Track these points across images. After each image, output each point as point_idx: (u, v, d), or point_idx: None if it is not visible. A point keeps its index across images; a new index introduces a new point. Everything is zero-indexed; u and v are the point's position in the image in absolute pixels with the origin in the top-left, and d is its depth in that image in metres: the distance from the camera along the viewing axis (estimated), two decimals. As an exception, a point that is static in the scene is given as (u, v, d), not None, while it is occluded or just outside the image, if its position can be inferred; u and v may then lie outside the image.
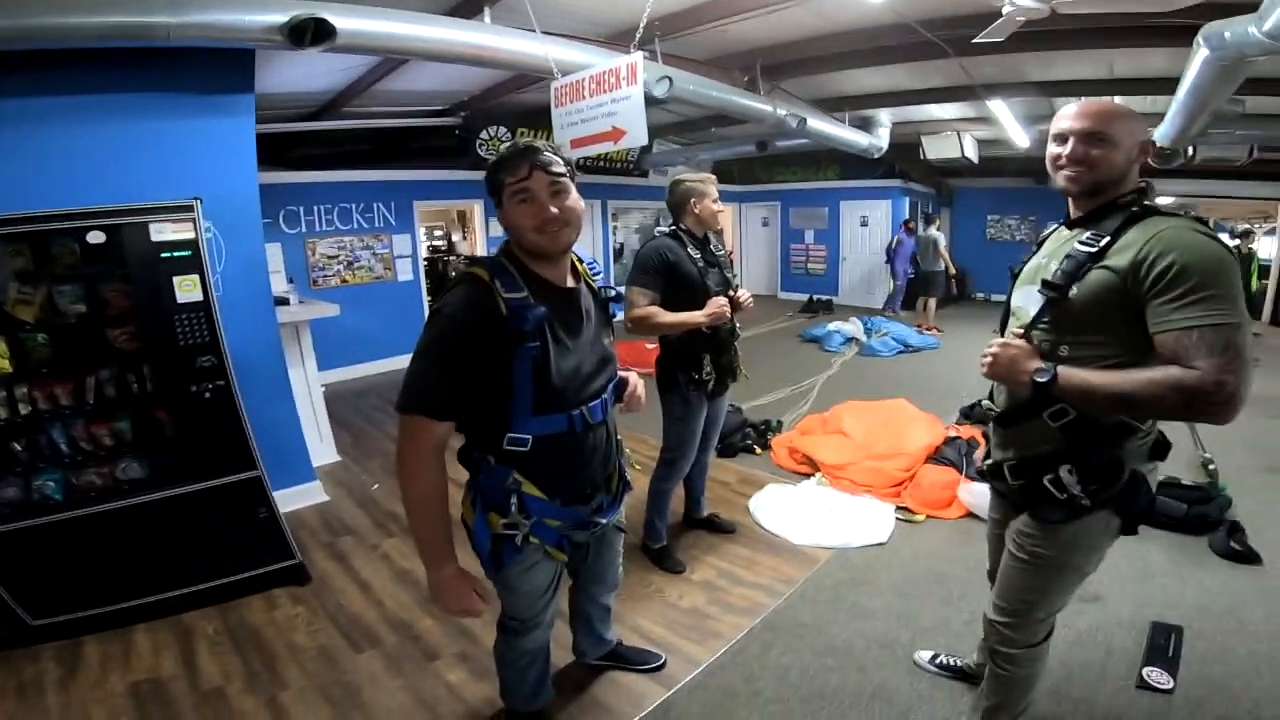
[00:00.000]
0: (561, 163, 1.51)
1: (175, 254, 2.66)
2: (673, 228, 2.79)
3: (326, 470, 4.31)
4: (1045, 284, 1.45)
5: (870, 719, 2.14)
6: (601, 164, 9.19)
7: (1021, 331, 1.51)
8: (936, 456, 3.99)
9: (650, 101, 3.54)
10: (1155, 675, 2.25)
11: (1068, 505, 1.48)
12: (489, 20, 3.50)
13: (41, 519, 2.52)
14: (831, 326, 8.42)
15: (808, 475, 4.13)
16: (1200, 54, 3.21)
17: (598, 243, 10.13)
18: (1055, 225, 1.63)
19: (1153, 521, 3.21)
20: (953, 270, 9.57)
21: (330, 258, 7.13)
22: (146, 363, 2.70)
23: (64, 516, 2.55)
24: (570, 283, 1.63)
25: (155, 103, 3.06)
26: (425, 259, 8.81)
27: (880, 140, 6.99)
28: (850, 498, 3.74)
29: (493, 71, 5.00)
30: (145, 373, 2.70)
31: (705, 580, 3.00)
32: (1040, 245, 1.65)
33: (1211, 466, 3.84)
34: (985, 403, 1.72)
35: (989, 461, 1.71)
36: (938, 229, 9.34)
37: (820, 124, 6.08)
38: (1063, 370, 1.36)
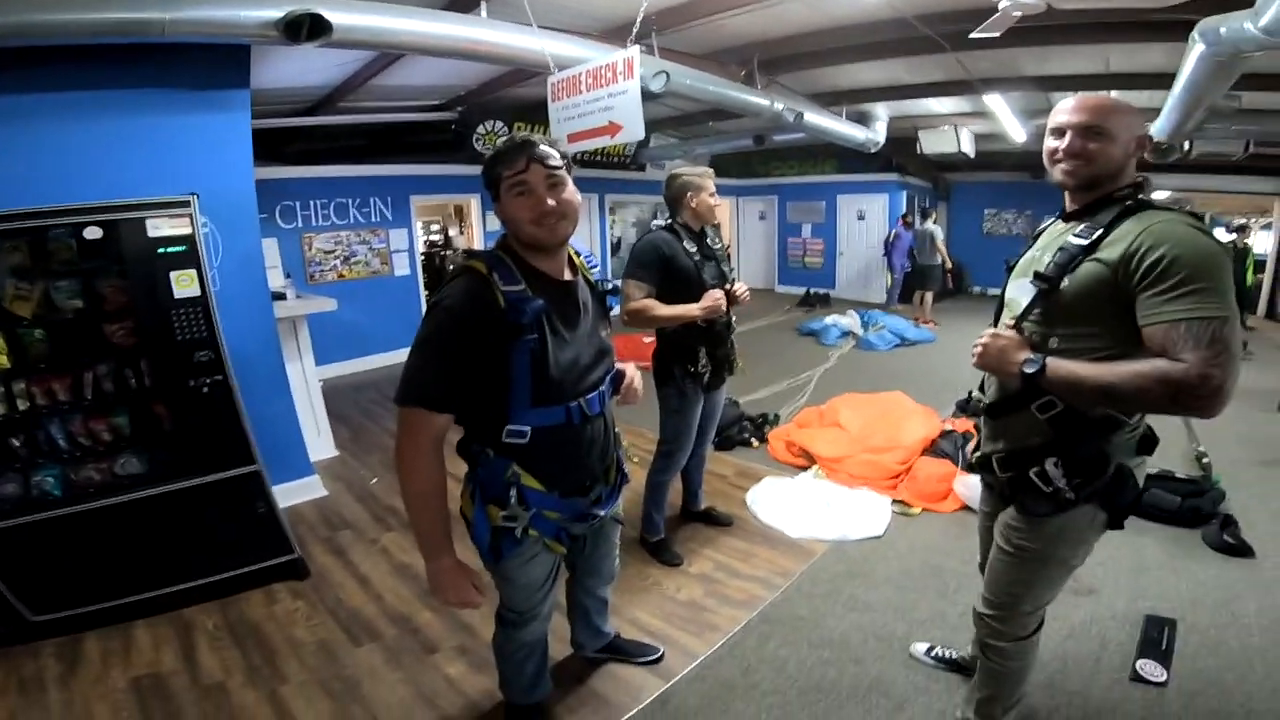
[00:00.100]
0: (558, 156, 1.52)
1: (172, 249, 2.65)
2: (669, 222, 2.79)
3: (325, 465, 4.32)
4: (1037, 276, 1.45)
5: (867, 711, 2.16)
6: (598, 158, 9.18)
7: (1013, 323, 1.52)
8: (933, 449, 4.01)
9: (647, 96, 3.54)
10: (1149, 668, 2.27)
11: (1053, 498, 1.48)
12: (485, 15, 3.49)
13: (41, 515, 2.52)
14: (829, 320, 8.44)
15: (805, 468, 4.14)
16: (1196, 49, 3.21)
17: (595, 237, 10.12)
18: (1052, 219, 1.64)
19: (1146, 514, 3.25)
20: (949, 264, 9.59)
21: (327, 253, 7.12)
22: (144, 358, 2.70)
23: (63, 512, 2.56)
24: (568, 276, 1.64)
25: (151, 98, 3.05)
26: (422, 253, 8.81)
27: (877, 134, 6.99)
28: (847, 491, 3.76)
29: (489, 66, 4.99)
30: (143, 368, 2.70)
31: (703, 573, 3.02)
32: (1037, 238, 1.65)
33: (1205, 460, 3.87)
34: (975, 394, 1.73)
35: (978, 454, 1.72)
36: (934, 223, 9.35)
37: (817, 118, 6.07)
38: (1051, 362, 1.36)
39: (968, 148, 7.62)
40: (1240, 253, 8.74)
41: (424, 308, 1.56)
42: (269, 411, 3.34)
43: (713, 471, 3.89)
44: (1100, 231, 1.37)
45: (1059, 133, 1.46)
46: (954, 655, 2.33)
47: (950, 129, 7.48)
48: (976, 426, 1.76)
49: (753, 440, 4.63)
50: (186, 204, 2.69)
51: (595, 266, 1.79)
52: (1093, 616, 2.60)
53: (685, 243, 2.73)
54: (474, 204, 8.77)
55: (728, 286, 2.78)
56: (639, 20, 3.66)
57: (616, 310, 2.03)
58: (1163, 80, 4.32)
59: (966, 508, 3.46)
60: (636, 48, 3.38)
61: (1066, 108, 1.46)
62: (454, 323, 1.43)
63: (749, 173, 12.22)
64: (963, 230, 12.07)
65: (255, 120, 3.50)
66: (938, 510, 3.55)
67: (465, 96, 6.60)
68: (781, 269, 12.65)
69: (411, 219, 7.84)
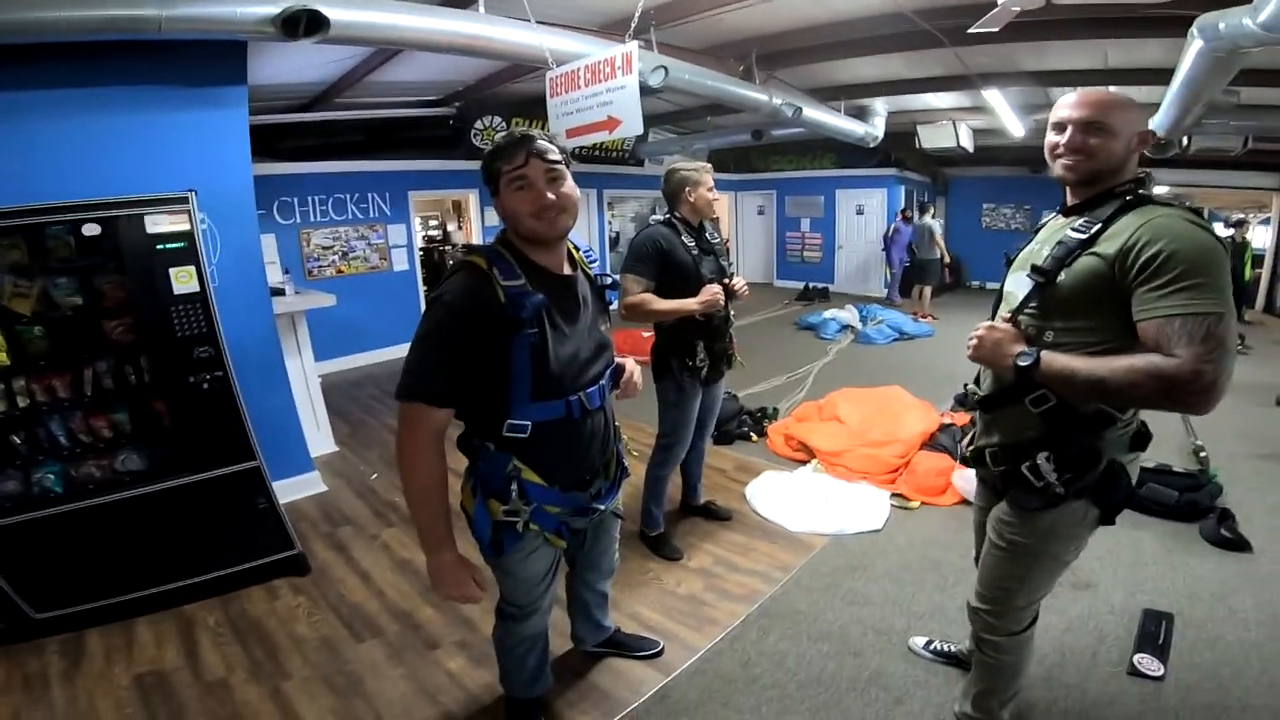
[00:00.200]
0: (557, 151, 1.52)
1: (171, 246, 2.65)
2: (668, 216, 2.79)
3: (325, 460, 4.32)
4: (1034, 269, 1.45)
5: (866, 704, 2.17)
6: (597, 153, 9.18)
7: (1009, 316, 1.52)
8: (931, 443, 4.02)
9: (645, 91, 3.53)
10: (1146, 662, 2.28)
11: (1044, 493, 1.48)
12: (483, 10, 3.48)
13: (42, 512, 2.53)
14: (827, 314, 8.44)
15: (804, 462, 4.15)
16: (1195, 45, 3.21)
17: (593, 231, 10.11)
18: (1053, 213, 1.63)
19: (1144, 508, 3.26)
20: (947, 259, 9.60)
21: (325, 248, 7.11)
22: (144, 354, 2.70)
23: (64, 509, 2.56)
24: (567, 270, 1.64)
25: (148, 95, 3.04)
26: (421, 249, 8.79)
27: (876, 129, 6.99)
28: (846, 485, 3.77)
29: (487, 61, 4.97)
30: (143, 364, 2.71)
31: (702, 567, 3.03)
32: (1037, 232, 1.64)
33: (1203, 454, 3.88)
34: (970, 386, 1.72)
35: (971, 448, 1.71)
36: (933, 217, 9.36)
37: (816, 113, 6.07)
38: (1046, 355, 1.36)
39: (966, 143, 7.63)
40: (1238, 248, 8.76)
41: (423, 303, 1.57)
42: (269, 407, 3.34)
43: (712, 466, 3.90)
44: (1099, 226, 1.36)
45: (1060, 127, 1.46)
46: (952, 649, 2.34)
47: (949, 124, 7.48)
48: (973, 420, 1.76)
49: (752, 434, 4.64)
50: (185, 200, 2.68)
51: (594, 261, 1.79)
52: (1090, 610, 2.61)
53: (684, 237, 2.73)
54: (472, 199, 8.76)
55: (726, 281, 2.78)
56: (637, 15, 3.65)
57: (616, 305, 2.04)
58: (1161, 75, 4.32)
59: (965, 501, 3.47)
60: (635, 43, 3.37)
61: (1068, 103, 1.45)
62: (454, 318, 1.43)
63: (747, 167, 12.21)
64: (961, 224, 12.08)
65: (252, 116, 3.49)
66: (936, 504, 3.56)
67: (463, 92, 6.60)
68: (780, 263, 12.64)
69: (410, 214, 7.83)
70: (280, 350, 3.69)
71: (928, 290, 9.21)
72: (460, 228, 11.19)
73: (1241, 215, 9.59)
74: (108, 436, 2.71)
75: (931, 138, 7.69)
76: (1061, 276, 1.40)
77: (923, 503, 3.57)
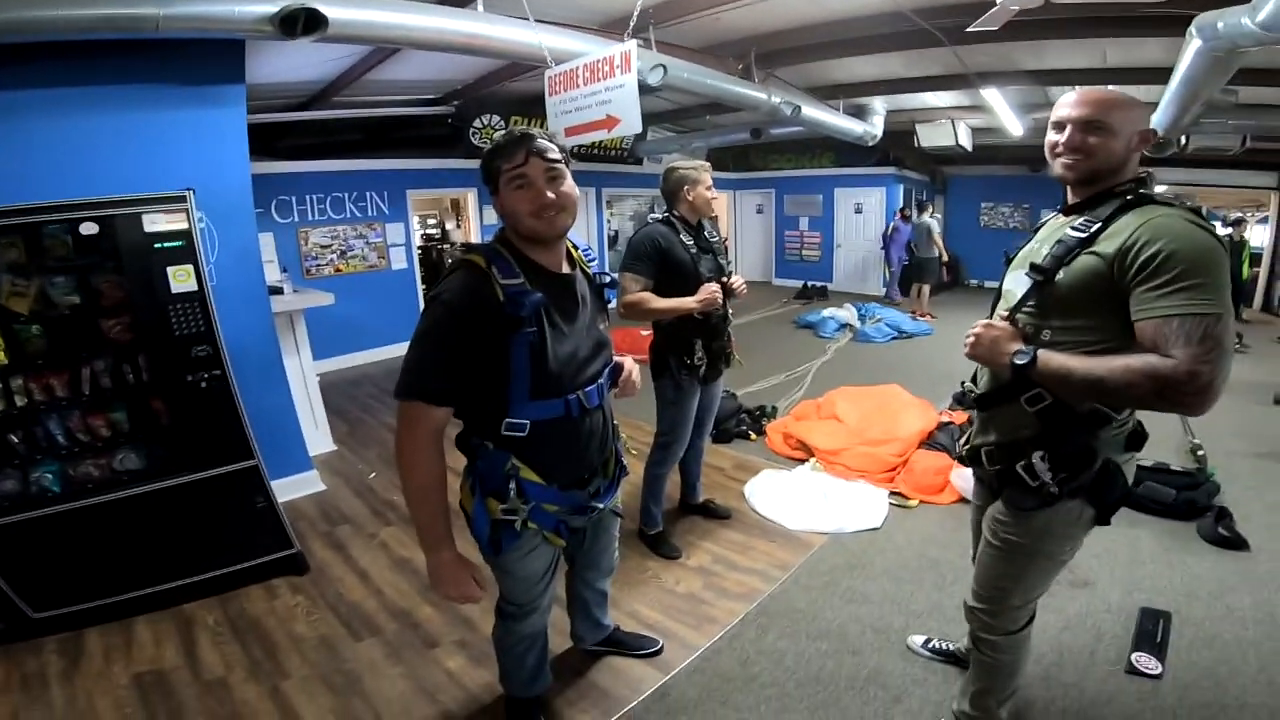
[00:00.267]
0: (557, 149, 1.52)
1: (169, 244, 2.65)
2: (666, 215, 2.79)
3: (323, 459, 4.32)
4: (1033, 267, 1.45)
5: (865, 702, 2.18)
6: (596, 152, 9.16)
7: (1007, 314, 1.51)
8: (929, 442, 4.03)
9: (644, 89, 3.52)
10: (1144, 660, 2.29)
11: (1038, 492, 1.48)
12: (482, 9, 3.48)
13: (40, 511, 2.52)
14: (826, 313, 8.44)
15: (802, 461, 4.16)
16: (1193, 44, 3.21)
17: (592, 230, 10.11)
18: (1053, 212, 1.63)
19: (1142, 507, 3.27)
20: (946, 257, 9.61)
21: (323, 247, 7.10)
22: (142, 353, 2.70)
23: (63, 508, 2.56)
24: (566, 269, 1.64)
25: (146, 94, 3.03)
26: (419, 247, 8.78)
27: (874, 128, 6.99)
28: (844, 483, 3.77)
29: (486, 60, 4.97)
30: (141, 363, 2.70)
31: (701, 566, 3.03)
32: (1037, 231, 1.64)
33: (1200, 452, 3.88)
34: (966, 384, 1.72)
35: (967, 446, 1.71)
36: (931, 216, 9.37)
37: (814, 112, 6.07)
38: (1042, 354, 1.36)
39: (965, 141, 7.63)
40: (1236, 246, 8.77)
41: (421, 302, 1.57)
42: (267, 406, 3.34)
43: (711, 464, 3.91)
44: (1099, 225, 1.36)
45: (1060, 126, 1.46)
46: (951, 647, 2.34)
47: (947, 123, 7.48)
48: (970, 419, 1.75)
49: (750, 433, 4.64)
50: (183, 199, 2.68)
51: (593, 260, 1.79)
52: (1088, 609, 2.61)
53: (682, 235, 2.73)
54: (470, 198, 8.74)
55: (724, 279, 2.78)
56: (636, 13, 3.64)
57: (614, 303, 2.04)
58: (1160, 75, 4.32)
59: (963, 500, 3.46)
60: (634, 41, 3.36)
61: (1068, 101, 1.45)
62: (452, 316, 1.43)
63: (746, 166, 12.21)
64: (960, 223, 12.08)
65: (250, 115, 3.48)
66: (935, 502, 3.57)
67: (462, 90, 6.58)
68: (779, 262, 12.64)
69: (408, 213, 7.81)
70: (278, 349, 3.69)
71: (926, 289, 9.21)
72: (459, 226, 11.18)
73: (1239, 214, 9.60)
74: (106, 435, 2.70)
75: (930, 136, 7.69)
76: (1060, 275, 1.40)
77: (921, 501, 3.58)
